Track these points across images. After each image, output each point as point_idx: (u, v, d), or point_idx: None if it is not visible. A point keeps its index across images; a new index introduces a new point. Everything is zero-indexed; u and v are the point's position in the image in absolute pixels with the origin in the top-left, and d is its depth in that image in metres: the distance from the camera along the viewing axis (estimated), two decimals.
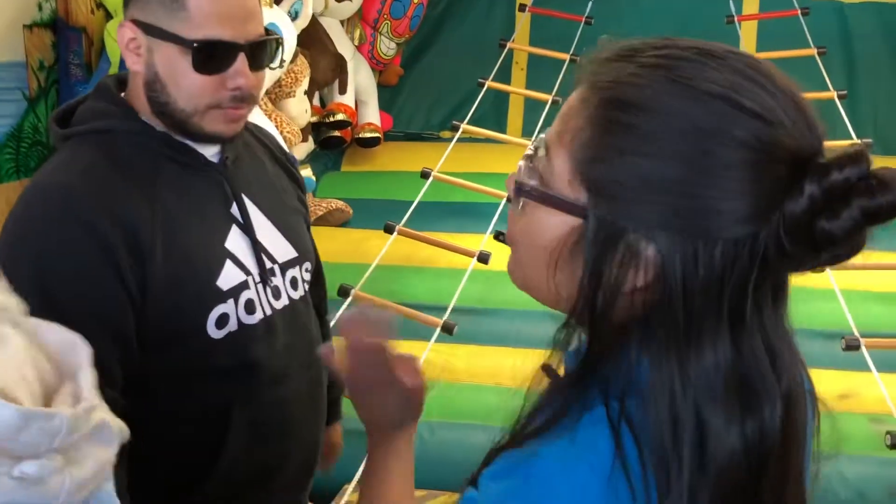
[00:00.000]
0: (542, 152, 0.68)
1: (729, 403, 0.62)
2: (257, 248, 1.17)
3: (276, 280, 1.20)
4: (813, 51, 3.43)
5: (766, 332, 0.64)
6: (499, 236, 0.80)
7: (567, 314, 0.67)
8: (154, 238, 1.06)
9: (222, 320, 1.12)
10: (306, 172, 3.02)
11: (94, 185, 1.06)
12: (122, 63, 1.17)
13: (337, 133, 3.88)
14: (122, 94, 1.16)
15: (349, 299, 2.47)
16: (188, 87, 1.08)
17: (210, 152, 1.16)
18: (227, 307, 1.12)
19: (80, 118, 1.13)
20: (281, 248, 1.22)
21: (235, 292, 1.13)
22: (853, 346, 2.31)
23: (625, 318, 0.65)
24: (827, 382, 2.82)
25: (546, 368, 0.71)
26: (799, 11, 3.58)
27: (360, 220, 3.48)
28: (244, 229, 1.16)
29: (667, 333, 0.63)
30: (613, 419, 0.62)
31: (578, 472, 0.62)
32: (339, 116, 3.75)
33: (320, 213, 3.40)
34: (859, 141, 3.00)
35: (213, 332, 1.12)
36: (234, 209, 1.16)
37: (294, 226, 1.28)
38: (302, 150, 3.55)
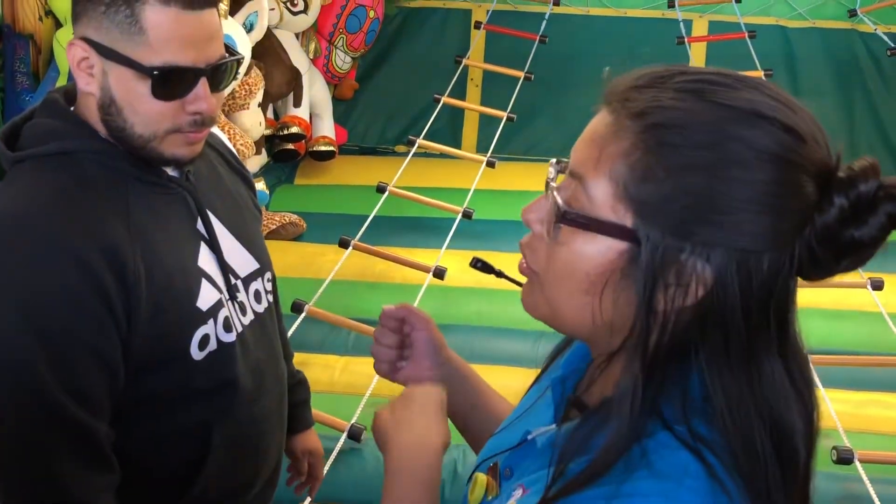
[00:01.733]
0: (569, 181, 0.69)
1: (796, 402, 0.66)
2: (224, 265, 1.14)
3: (241, 295, 1.18)
4: (760, 73, 3.52)
5: (797, 338, 0.68)
6: (477, 264, 0.78)
7: (612, 341, 0.68)
8: (136, 263, 1.02)
9: (204, 341, 1.10)
10: (259, 185, 2.99)
11: (71, 211, 1.00)
12: (71, 73, 1.10)
13: (291, 146, 3.85)
14: (72, 109, 1.10)
15: (302, 315, 2.44)
16: (146, 112, 1.03)
17: (170, 167, 1.12)
18: (207, 328, 1.10)
19: (34, 138, 1.06)
20: (243, 262, 1.20)
21: (214, 311, 1.11)
22: None
23: (678, 338, 0.66)
24: None
25: (577, 403, 0.72)
26: (746, 34, 3.67)
27: (315, 234, 3.45)
28: (211, 246, 1.13)
29: (727, 350, 0.64)
30: (688, 441, 0.64)
31: (684, 499, 0.62)
32: (294, 129, 3.72)
33: (273, 226, 3.36)
34: None
35: (196, 354, 1.09)
36: (200, 225, 1.13)
37: (254, 236, 1.26)
38: (255, 162, 3.51)
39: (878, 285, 2.65)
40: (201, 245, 1.12)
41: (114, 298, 0.99)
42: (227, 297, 1.14)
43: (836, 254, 0.65)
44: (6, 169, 1.07)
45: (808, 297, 2.79)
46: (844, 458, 2.07)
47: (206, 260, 1.12)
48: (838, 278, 2.56)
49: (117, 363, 1.02)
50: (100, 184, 1.04)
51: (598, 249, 0.66)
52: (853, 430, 2.29)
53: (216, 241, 1.14)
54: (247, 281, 1.20)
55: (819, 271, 0.66)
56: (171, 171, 1.12)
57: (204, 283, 1.10)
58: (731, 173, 0.63)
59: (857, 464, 2.08)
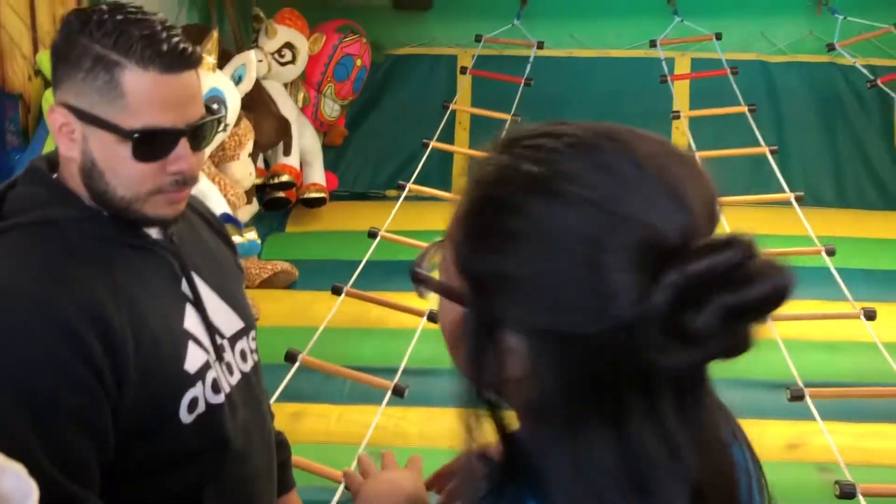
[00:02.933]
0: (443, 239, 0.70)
1: (627, 494, 0.61)
2: (209, 325, 1.14)
3: (227, 355, 1.17)
4: (744, 108, 3.57)
5: (662, 424, 0.61)
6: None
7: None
8: (124, 331, 1.02)
9: (193, 404, 1.09)
10: (251, 235, 2.99)
11: (57, 280, 1.00)
12: None
13: (282, 194, 3.87)
14: (55, 176, 1.10)
15: (297, 364, 2.42)
16: (128, 175, 1.03)
17: (154, 229, 1.13)
18: (196, 391, 1.09)
19: (17, 206, 1.06)
20: (228, 321, 1.20)
21: (202, 374, 1.10)
22: (798, 396, 2.35)
23: (520, 407, 0.66)
24: (775, 433, 2.87)
25: (480, 456, 0.70)
26: (728, 71, 3.73)
27: (307, 281, 3.44)
28: (196, 307, 1.13)
29: (552, 425, 0.63)
30: None
31: None
32: (284, 178, 3.74)
33: (265, 275, 3.36)
34: (791, 194, 3.12)
35: (185, 417, 1.08)
36: (185, 286, 1.13)
37: (238, 295, 1.26)
38: (246, 212, 3.51)
39: (870, 315, 2.66)
40: (187, 306, 1.12)
41: (102, 367, 0.99)
42: (214, 357, 1.13)
43: (683, 341, 0.58)
44: None
45: (802, 329, 2.80)
46: (847, 492, 2.05)
47: (192, 321, 1.12)
48: (830, 309, 2.54)
49: (107, 432, 1.01)
50: (85, 251, 1.04)
51: (450, 308, 0.67)
52: (855, 463, 2.28)
53: (201, 301, 1.13)
54: (232, 340, 1.19)
55: (670, 357, 0.59)
56: (154, 234, 1.12)
57: (191, 345, 1.10)
58: (546, 254, 0.60)
59: (860, 497, 2.06)
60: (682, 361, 0.59)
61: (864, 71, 3.87)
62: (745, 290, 0.57)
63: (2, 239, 1.04)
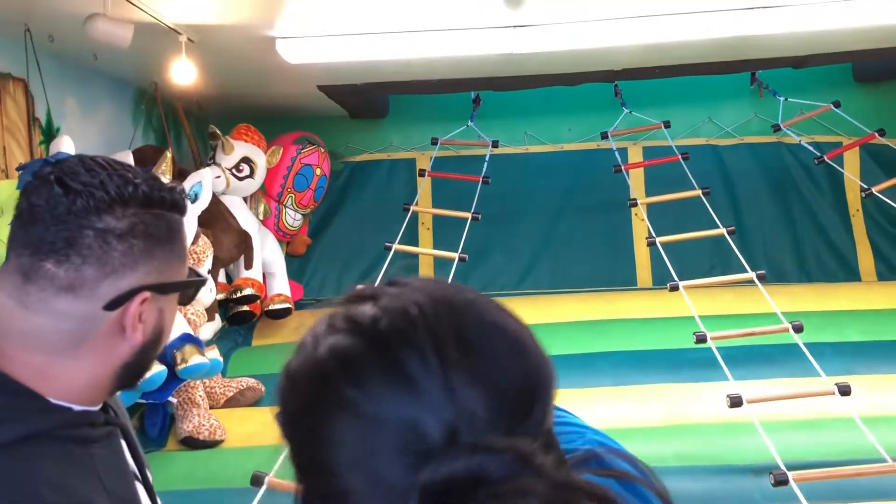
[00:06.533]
0: None
1: None
2: (154, 499, 1.06)
3: None
4: (698, 191, 3.63)
5: None
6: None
7: None
8: None
9: None
10: (213, 353, 2.91)
11: (58, 497, 0.87)
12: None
13: (246, 307, 3.81)
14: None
15: (263, 488, 2.32)
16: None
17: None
18: None
19: None
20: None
21: None
22: (782, 481, 2.29)
23: None
24: None
25: None
26: (679, 157, 3.81)
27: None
28: (143, 482, 1.05)
29: None
30: None
31: None
32: (247, 291, 3.70)
33: (230, 393, 3.27)
34: (752, 273, 3.13)
35: None
36: (132, 462, 1.04)
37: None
38: (209, 329, 3.45)
39: (844, 390, 2.63)
40: (139, 486, 1.04)
41: None
42: None
43: None
44: None
45: (779, 410, 2.76)
46: None
47: (143, 496, 1.04)
48: (803, 386, 2.50)
49: None
50: (69, 460, 0.92)
51: None
52: None
53: (146, 476, 1.06)
54: None
55: None
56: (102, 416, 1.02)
57: None
58: (358, 472, 0.57)
59: None
60: None
61: (811, 148, 3.99)
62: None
63: None
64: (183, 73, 2.81)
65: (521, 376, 0.58)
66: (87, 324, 0.91)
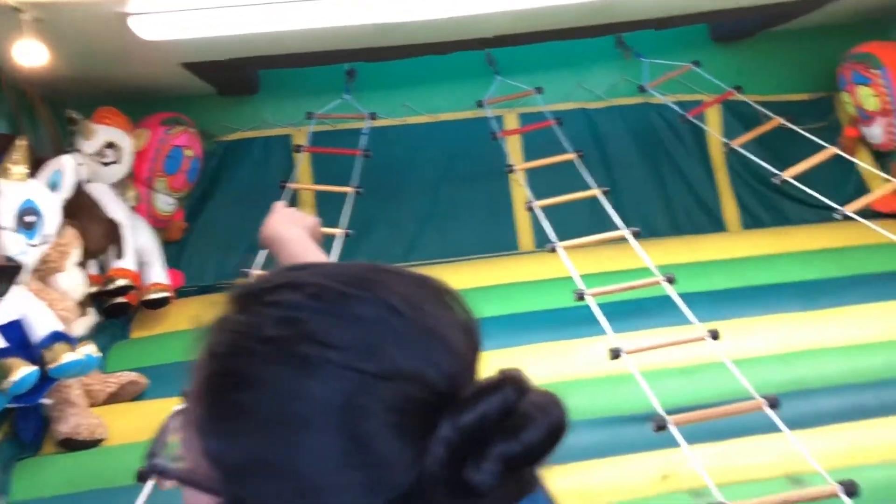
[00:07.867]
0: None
1: None
2: None
3: None
4: (572, 155, 3.73)
5: None
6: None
7: None
8: None
9: None
10: (87, 349, 2.77)
11: None
12: None
13: (122, 299, 3.64)
14: None
15: (150, 483, 2.24)
16: None
17: None
18: None
19: None
20: None
21: None
22: (662, 425, 2.40)
23: None
24: (647, 465, 2.89)
25: None
26: (553, 122, 3.89)
27: (158, 389, 3.22)
28: None
29: None
30: None
31: None
32: (120, 282, 3.53)
33: (111, 389, 3.13)
34: (626, 230, 3.25)
35: None
36: None
37: None
38: (82, 324, 3.28)
39: (715, 335, 2.78)
40: None
41: None
42: None
43: (465, 497, 0.53)
44: None
45: (656, 358, 2.88)
46: None
47: None
48: (678, 335, 2.62)
49: None
50: None
51: (197, 500, 0.59)
52: (726, 483, 2.34)
53: None
54: None
55: None
56: None
57: None
58: (298, 433, 0.54)
59: None
60: None
61: (675, 107, 4.15)
62: (521, 435, 0.53)
63: None
64: (30, 54, 2.62)
65: (471, 319, 0.62)
66: None
